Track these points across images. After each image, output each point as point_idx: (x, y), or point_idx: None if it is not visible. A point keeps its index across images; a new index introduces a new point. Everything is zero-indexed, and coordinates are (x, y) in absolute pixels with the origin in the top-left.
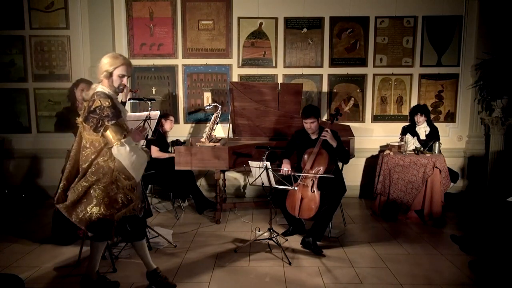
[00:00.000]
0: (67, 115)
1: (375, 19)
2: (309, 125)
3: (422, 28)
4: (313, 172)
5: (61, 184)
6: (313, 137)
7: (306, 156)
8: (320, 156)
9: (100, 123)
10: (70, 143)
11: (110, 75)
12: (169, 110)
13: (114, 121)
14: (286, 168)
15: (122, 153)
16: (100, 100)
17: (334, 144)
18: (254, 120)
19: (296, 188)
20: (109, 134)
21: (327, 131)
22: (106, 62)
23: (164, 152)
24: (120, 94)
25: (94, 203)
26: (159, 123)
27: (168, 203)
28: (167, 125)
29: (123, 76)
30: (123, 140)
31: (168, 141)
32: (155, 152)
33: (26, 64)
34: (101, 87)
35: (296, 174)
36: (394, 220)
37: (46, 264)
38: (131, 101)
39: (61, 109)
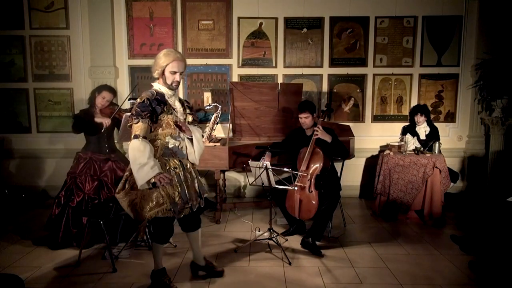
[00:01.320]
0: (84, 118)
1: (375, 19)
2: (304, 119)
3: (422, 28)
4: (309, 171)
5: (124, 175)
6: (308, 133)
7: (301, 156)
8: (314, 155)
9: (130, 119)
10: (70, 144)
11: (162, 72)
12: None
13: (137, 120)
14: (266, 160)
15: (129, 151)
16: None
17: (328, 139)
18: (254, 120)
19: (295, 188)
20: (132, 130)
21: (318, 127)
22: (158, 60)
23: None
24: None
25: (135, 196)
26: None
27: None
28: None
29: (174, 72)
30: (134, 140)
31: None
32: None
33: (26, 64)
34: (156, 85)
35: (294, 172)
36: (394, 220)
37: (46, 264)
38: (131, 101)
39: (67, 110)
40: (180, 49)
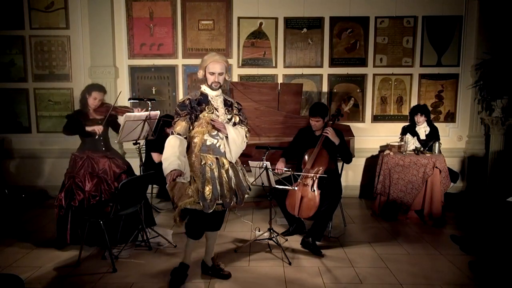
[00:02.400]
0: (77, 118)
1: (375, 19)
2: (314, 123)
3: (422, 28)
4: (314, 170)
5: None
6: (317, 133)
7: (307, 156)
8: (320, 156)
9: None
10: (70, 144)
11: (205, 74)
12: (169, 110)
13: (177, 118)
14: (279, 166)
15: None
16: None
17: (336, 141)
18: (254, 120)
19: (296, 188)
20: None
21: (328, 128)
22: (201, 62)
23: None
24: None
25: (174, 186)
26: (163, 129)
27: (168, 203)
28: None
29: (212, 73)
30: (170, 136)
31: None
32: (157, 157)
33: (26, 64)
34: (203, 86)
35: (296, 173)
36: (394, 220)
37: (46, 264)
38: (131, 101)
39: (67, 110)
40: (180, 49)
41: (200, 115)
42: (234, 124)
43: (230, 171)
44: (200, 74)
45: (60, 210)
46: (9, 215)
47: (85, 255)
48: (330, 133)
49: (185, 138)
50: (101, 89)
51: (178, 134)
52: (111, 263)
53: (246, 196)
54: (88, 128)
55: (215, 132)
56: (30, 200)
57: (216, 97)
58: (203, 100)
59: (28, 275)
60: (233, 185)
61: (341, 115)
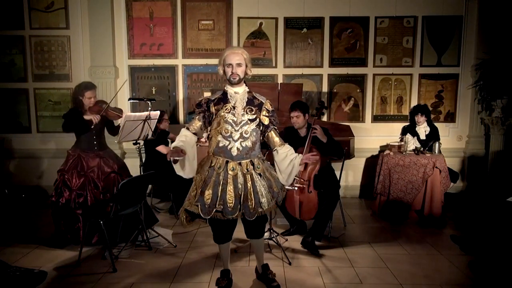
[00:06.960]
0: (75, 116)
1: (375, 19)
2: (295, 119)
3: (422, 28)
4: (307, 172)
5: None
6: (302, 133)
7: None
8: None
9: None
10: (70, 144)
11: (224, 69)
12: (169, 110)
13: (193, 117)
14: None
15: None
16: None
17: (324, 139)
18: None
19: (296, 188)
20: None
21: (315, 127)
22: (219, 60)
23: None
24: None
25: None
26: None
27: (168, 203)
28: (162, 125)
29: (229, 65)
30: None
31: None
32: (164, 149)
33: (26, 64)
34: (227, 86)
35: (296, 178)
36: (394, 220)
37: (46, 264)
38: (131, 101)
39: (67, 110)
40: (180, 49)
41: (217, 114)
42: (266, 126)
43: (240, 178)
44: (220, 70)
45: (52, 206)
46: (9, 215)
47: (85, 255)
48: (318, 131)
49: (195, 134)
50: (92, 87)
51: (187, 128)
52: (111, 263)
53: (261, 210)
54: (86, 117)
55: (228, 133)
56: (30, 200)
57: (236, 95)
58: (223, 99)
59: None
60: (239, 193)
61: (325, 107)
